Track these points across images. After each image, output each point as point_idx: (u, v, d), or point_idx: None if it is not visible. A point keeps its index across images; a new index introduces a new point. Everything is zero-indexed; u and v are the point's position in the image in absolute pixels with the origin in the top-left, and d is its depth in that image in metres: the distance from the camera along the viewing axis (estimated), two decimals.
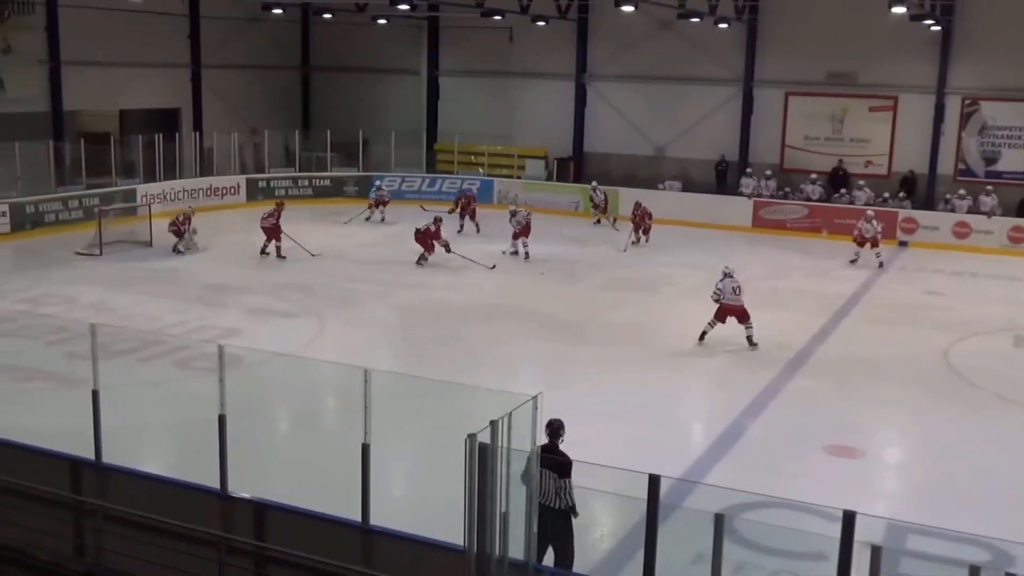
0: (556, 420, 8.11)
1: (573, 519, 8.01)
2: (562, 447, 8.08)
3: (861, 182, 27.76)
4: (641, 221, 25.13)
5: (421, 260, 21.89)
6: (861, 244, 23.44)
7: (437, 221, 22.17)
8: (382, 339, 17.31)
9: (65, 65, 27.09)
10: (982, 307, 19.71)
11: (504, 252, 23.37)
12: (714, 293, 16.32)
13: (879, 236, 23.35)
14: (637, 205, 25.48)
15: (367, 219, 27.22)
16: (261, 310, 18.27)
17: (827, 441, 12.39)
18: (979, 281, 22.47)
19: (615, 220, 27.75)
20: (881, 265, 23.03)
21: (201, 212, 24.84)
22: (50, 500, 8.46)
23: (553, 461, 7.89)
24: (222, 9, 31.16)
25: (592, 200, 28.77)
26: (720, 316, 16.26)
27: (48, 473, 9.34)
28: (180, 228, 22.83)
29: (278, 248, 22.47)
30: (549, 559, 8.02)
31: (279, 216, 22.58)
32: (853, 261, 23.38)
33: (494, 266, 21.73)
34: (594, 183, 29.32)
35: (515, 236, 23.56)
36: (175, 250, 22.64)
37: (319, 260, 22.32)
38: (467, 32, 32.50)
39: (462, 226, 26.12)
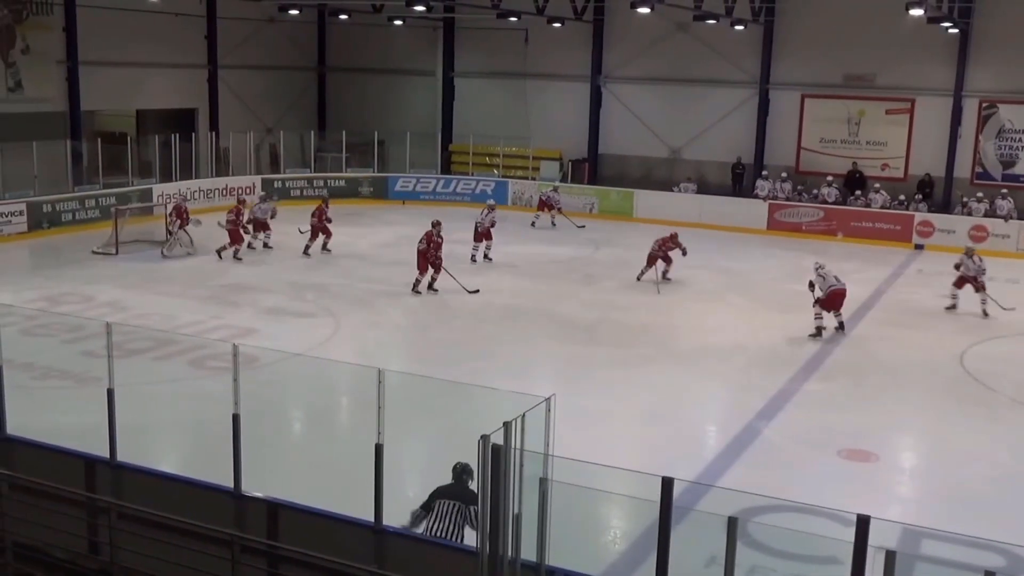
0: (461, 463, 8.22)
1: None
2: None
3: (877, 185, 27.64)
4: (664, 256, 21.08)
5: (430, 285, 19.53)
6: (960, 285, 19.32)
7: (436, 225, 19.66)
8: (397, 339, 17.34)
9: (82, 65, 27.22)
10: (999, 311, 19.57)
11: (482, 257, 22.65)
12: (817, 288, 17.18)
13: (982, 276, 19.15)
14: (673, 237, 21.33)
15: (249, 245, 23.15)
16: (276, 310, 18.32)
17: (842, 445, 12.35)
18: (996, 285, 22.27)
19: (552, 216, 27.73)
20: (985, 314, 18.92)
21: (217, 212, 24.84)
22: (65, 498, 8.48)
23: (466, 493, 8.10)
24: (239, 10, 31.24)
25: (548, 200, 28.06)
26: (827, 305, 17.10)
27: (63, 471, 9.37)
28: (169, 226, 22.59)
29: (236, 250, 22.18)
30: None
31: (239, 215, 22.36)
32: (951, 308, 19.32)
33: (477, 290, 19.46)
34: (556, 184, 29.36)
35: (478, 238, 22.61)
36: (162, 254, 22.28)
37: (335, 261, 22.40)
38: (483, 33, 32.53)
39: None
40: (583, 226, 27.02)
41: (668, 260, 21.05)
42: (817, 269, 17.57)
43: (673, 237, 21.20)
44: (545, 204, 28.14)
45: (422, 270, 19.40)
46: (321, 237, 23.13)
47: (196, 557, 7.40)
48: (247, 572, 7.51)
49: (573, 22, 29.98)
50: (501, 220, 27.76)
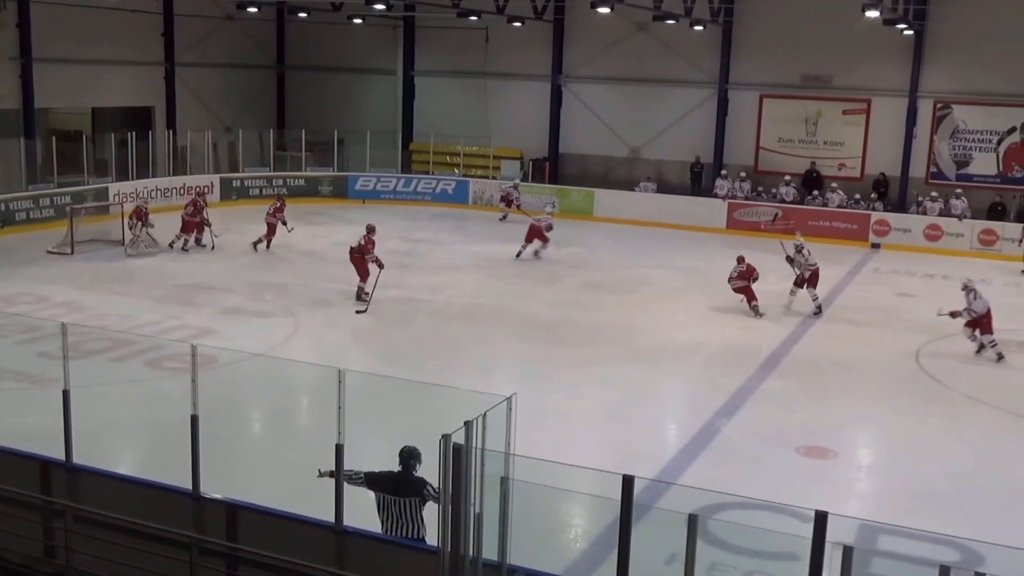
0: (407, 447, 8.15)
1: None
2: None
3: (834, 184, 27.94)
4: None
5: (361, 295, 18.61)
6: (974, 328, 16.76)
7: (372, 231, 19.06)
8: (358, 339, 17.25)
9: (37, 62, 26.82)
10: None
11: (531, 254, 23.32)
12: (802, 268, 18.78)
13: (972, 311, 16.62)
14: (744, 262, 18.95)
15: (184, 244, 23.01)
16: (235, 309, 18.17)
17: (800, 442, 12.47)
18: (950, 283, 22.61)
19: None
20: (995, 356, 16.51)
21: (175, 211, 24.64)
22: (19, 501, 8.37)
23: (410, 486, 8.05)
24: (196, 7, 30.99)
25: (508, 195, 28.65)
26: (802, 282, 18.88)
27: (17, 474, 9.23)
28: (132, 227, 22.55)
29: (197, 239, 23.06)
30: None
31: (198, 208, 23.12)
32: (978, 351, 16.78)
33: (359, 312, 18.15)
34: (517, 181, 29.63)
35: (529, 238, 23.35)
36: (127, 254, 22.26)
37: (295, 260, 22.26)
38: (443, 32, 32.47)
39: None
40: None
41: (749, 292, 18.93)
42: (799, 249, 18.94)
43: (748, 270, 18.83)
44: (506, 200, 28.48)
45: (364, 276, 18.73)
46: (266, 235, 23.17)
47: (154, 560, 7.33)
48: (206, 574, 7.45)
49: (533, 21, 30.03)
50: (461, 219, 27.96)
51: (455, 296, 19.66)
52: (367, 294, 18.42)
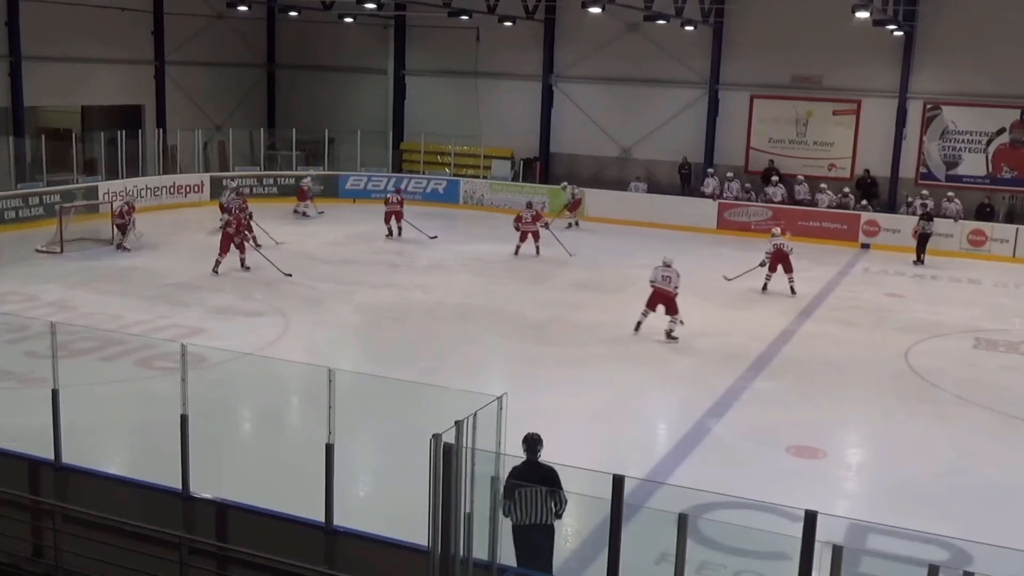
0: (532, 435, 7.81)
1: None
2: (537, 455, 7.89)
3: (823, 184, 27.96)
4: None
5: (216, 268, 20.39)
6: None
7: (244, 209, 20.71)
8: (348, 338, 17.25)
9: (26, 60, 26.74)
10: (942, 309, 19.94)
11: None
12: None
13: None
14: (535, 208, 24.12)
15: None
16: (225, 309, 18.12)
17: (790, 441, 12.49)
18: (939, 283, 22.75)
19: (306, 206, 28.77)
20: None
21: (165, 210, 24.64)
22: (8, 501, 8.34)
23: (541, 475, 7.69)
24: (186, 5, 30.91)
25: (306, 189, 28.63)
26: (650, 303, 16.98)
27: (6, 473, 9.21)
28: (124, 221, 22.59)
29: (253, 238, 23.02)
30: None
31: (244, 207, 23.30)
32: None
33: (290, 274, 20.31)
34: (312, 173, 29.98)
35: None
36: (119, 247, 22.39)
37: (285, 260, 22.19)
38: (434, 31, 32.45)
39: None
40: (322, 212, 28.42)
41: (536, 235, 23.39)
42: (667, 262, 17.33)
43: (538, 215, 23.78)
44: (304, 193, 28.18)
45: (224, 251, 20.30)
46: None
47: (144, 560, 7.32)
48: (196, 574, 7.43)
49: (524, 21, 30.01)
50: (451, 219, 27.95)
51: (445, 296, 19.65)
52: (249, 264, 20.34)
